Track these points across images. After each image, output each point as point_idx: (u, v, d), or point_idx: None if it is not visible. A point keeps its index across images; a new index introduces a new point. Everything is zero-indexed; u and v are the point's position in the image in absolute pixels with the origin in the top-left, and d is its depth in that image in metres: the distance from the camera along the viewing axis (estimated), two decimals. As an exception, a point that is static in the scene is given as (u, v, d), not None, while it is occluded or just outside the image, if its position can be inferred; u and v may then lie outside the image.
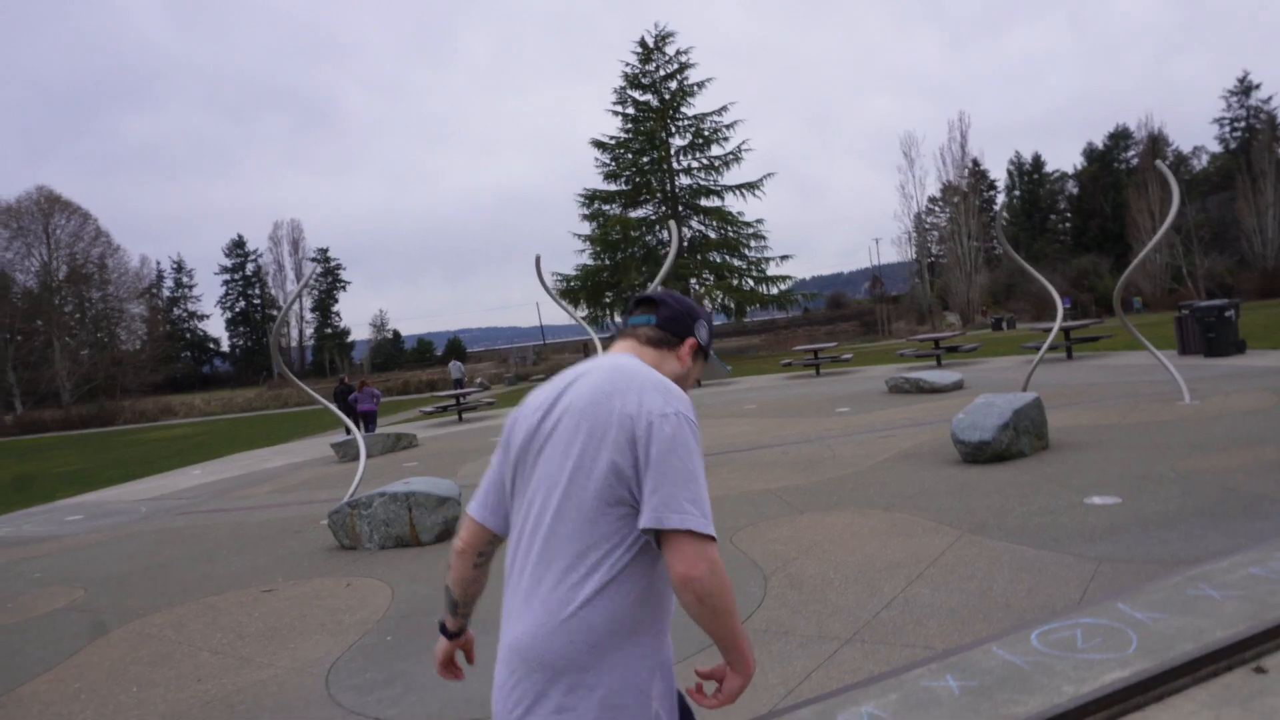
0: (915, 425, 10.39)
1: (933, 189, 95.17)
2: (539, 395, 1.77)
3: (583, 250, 34.43)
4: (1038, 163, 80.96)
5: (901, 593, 4.53)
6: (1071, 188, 78.59)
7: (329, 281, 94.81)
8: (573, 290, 33.74)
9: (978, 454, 7.61)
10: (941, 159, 65.92)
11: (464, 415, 19.51)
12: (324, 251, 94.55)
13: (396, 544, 7.25)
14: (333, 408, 9.98)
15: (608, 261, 33.86)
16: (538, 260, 10.75)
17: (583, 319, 35.18)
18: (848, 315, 73.85)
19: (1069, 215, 79.86)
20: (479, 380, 33.05)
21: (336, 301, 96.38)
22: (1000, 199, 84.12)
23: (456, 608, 1.91)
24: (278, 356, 9.04)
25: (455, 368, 31.58)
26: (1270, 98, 71.30)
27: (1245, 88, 70.76)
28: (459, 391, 20.29)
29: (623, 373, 1.67)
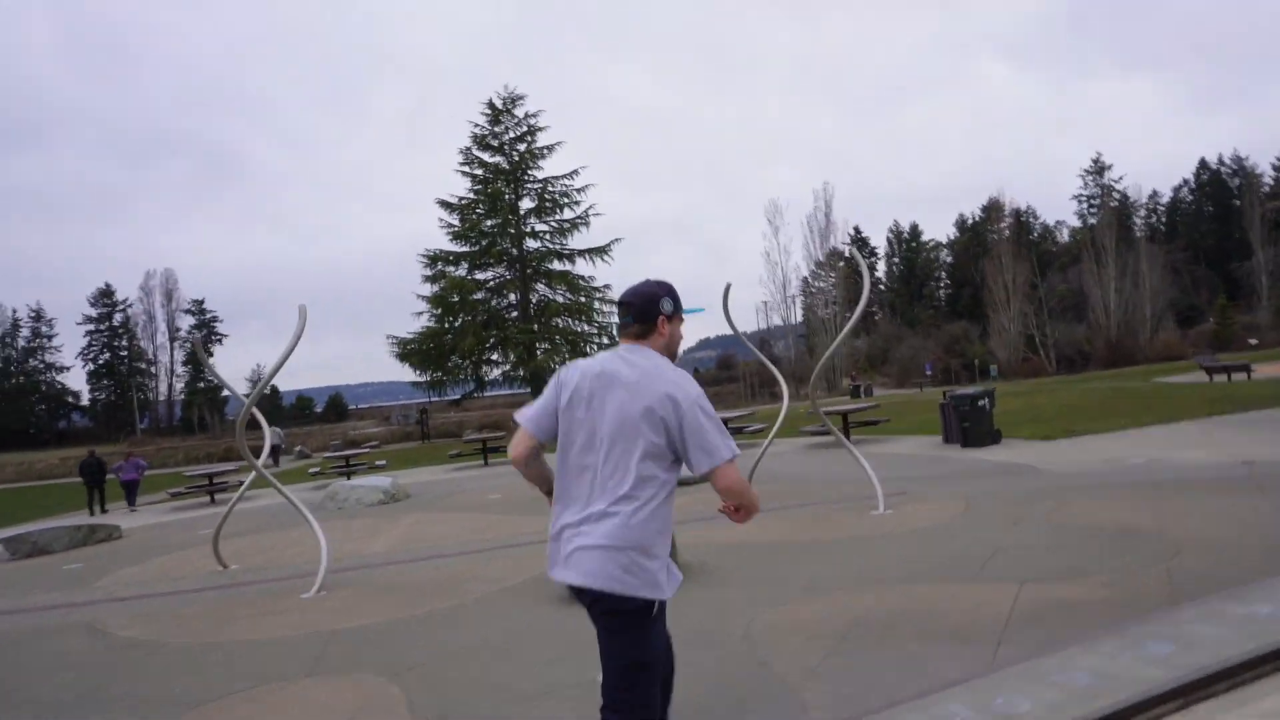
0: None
1: (797, 255, 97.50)
2: (588, 363, 2.86)
3: (421, 312, 32.95)
4: (915, 231, 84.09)
5: None
6: (946, 256, 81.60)
7: (203, 335, 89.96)
8: (409, 353, 32.11)
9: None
10: (808, 227, 67.49)
11: (216, 497, 17.58)
12: (199, 303, 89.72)
13: None
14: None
15: (447, 325, 32.45)
16: (192, 334, 9.39)
17: (421, 383, 33.64)
18: (735, 377, 74.19)
19: (946, 283, 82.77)
20: (298, 449, 30.90)
21: (211, 355, 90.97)
22: (881, 266, 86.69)
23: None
24: None
25: (274, 434, 29.26)
26: (1121, 177, 76.22)
27: (1099, 168, 75.40)
28: (211, 469, 18.36)
29: (647, 373, 2.72)
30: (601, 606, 2.73)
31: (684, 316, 2.97)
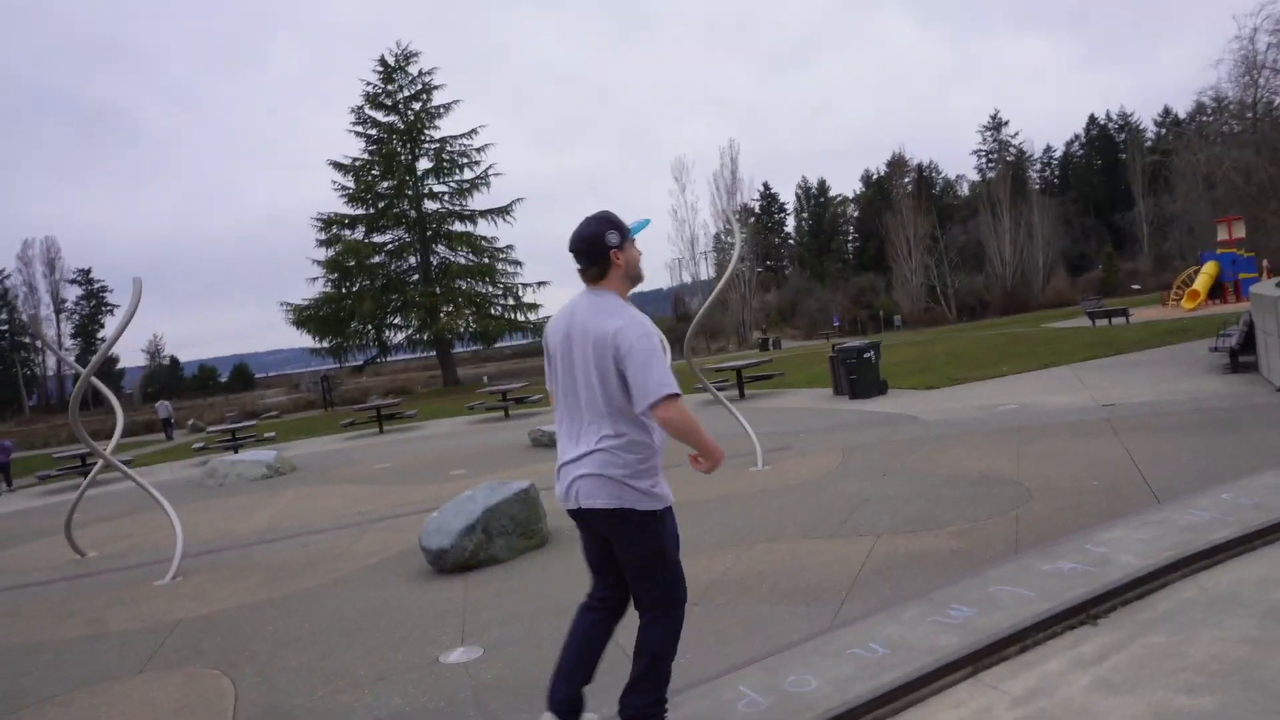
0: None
1: (705, 213, 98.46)
2: (558, 319, 3.08)
3: (317, 278, 31.66)
4: (823, 187, 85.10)
5: None
6: (853, 211, 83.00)
7: (91, 306, 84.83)
8: (306, 320, 30.88)
9: (440, 563, 6.26)
10: (715, 184, 67.68)
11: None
12: (85, 273, 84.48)
13: None
14: None
15: (345, 290, 31.29)
16: (35, 323, 8.69)
17: (320, 350, 32.46)
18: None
19: (854, 236, 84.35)
20: (191, 422, 29.58)
21: (101, 327, 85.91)
22: (790, 221, 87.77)
23: None
24: None
25: (162, 408, 27.99)
26: (1017, 133, 78.83)
27: (996, 124, 77.65)
28: (84, 450, 17.29)
29: (597, 317, 2.90)
30: (608, 522, 2.96)
31: (634, 238, 3.06)
